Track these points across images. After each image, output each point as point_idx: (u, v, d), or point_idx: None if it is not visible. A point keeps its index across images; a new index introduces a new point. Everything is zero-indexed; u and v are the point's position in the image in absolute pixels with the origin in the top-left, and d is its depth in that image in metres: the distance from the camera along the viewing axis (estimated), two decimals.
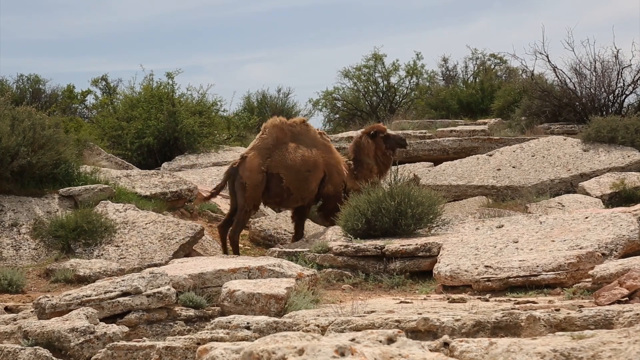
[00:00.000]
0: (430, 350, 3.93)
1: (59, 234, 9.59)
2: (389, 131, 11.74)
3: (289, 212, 11.71)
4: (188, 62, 55.25)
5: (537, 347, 3.81)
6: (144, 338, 6.00)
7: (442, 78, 29.10)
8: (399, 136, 11.77)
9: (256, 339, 4.23)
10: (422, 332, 5.08)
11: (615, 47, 18.02)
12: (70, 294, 6.41)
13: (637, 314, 4.87)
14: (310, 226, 11.18)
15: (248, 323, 5.66)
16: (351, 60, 55.45)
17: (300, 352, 3.31)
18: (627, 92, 17.97)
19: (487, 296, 6.93)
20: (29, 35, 54.16)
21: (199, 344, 5.19)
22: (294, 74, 54.42)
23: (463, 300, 6.70)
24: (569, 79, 18.17)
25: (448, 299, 6.92)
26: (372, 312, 5.90)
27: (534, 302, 6.26)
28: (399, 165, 11.98)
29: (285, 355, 3.30)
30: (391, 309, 6.07)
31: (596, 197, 12.37)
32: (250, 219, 10.94)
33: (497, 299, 6.77)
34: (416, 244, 8.54)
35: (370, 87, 29.20)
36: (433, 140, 16.49)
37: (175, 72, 18.18)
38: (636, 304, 5.40)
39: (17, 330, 6.12)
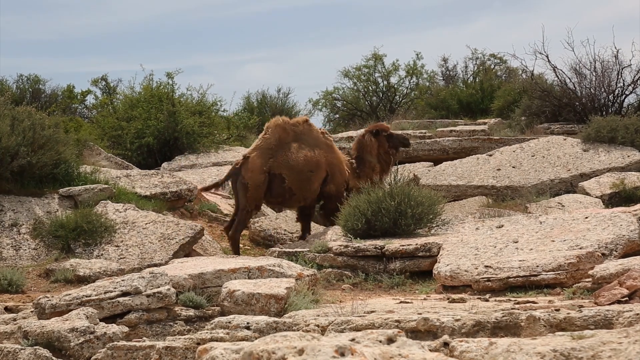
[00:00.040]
0: (430, 350, 3.93)
1: (58, 234, 9.59)
2: (392, 131, 11.75)
3: (289, 212, 11.71)
4: (188, 62, 55.28)
5: (537, 347, 3.81)
6: (144, 338, 6.00)
7: (442, 78, 29.10)
8: (402, 135, 11.77)
9: (256, 339, 4.23)
10: (422, 332, 5.08)
11: (615, 47, 18.04)
12: (70, 294, 6.41)
13: (637, 314, 4.87)
14: (310, 226, 11.18)
15: (248, 323, 5.66)
16: (351, 60, 55.47)
17: (300, 352, 3.31)
18: (627, 92, 17.98)
19: (487, 296, 6.93)
20: (29, 35, 54.18)
21: (198, 344, 5.19)
22: (294, 74, 54.45)
23: (463, 300, 6.70)
24: (569, 79, 18.19)
25: (448, 299, 6.92)
26: (372, 312, 5.90)
27: (534, 302, 6.26)
28: (399, 165, 11.98)
29: (285, 355, 3.30)
30: (391, 309, 6.07)
31: (596, 197, 12.37)
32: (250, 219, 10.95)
33: (497, 299, 6.77)
34: (416, 244, 8.54)
35: (370, 87, 29.21)
36: (433, 140, 16.49)
37: (175, 72, 18.21)
38: (636, 304, 5.40)
39: (17, 330, 6.12)
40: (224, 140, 17.99)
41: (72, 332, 5.78)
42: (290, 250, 9.17)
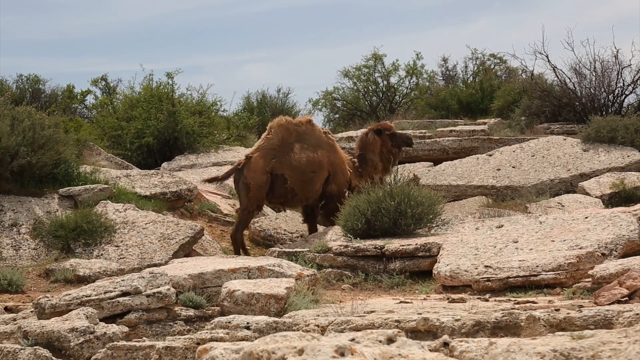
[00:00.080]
0: (430, 350, 3.93)
1: (58, 234, 9.59)
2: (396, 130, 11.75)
3: (289, 212, 11.72)
4: (188, 62, 55.29)
5: (537, 347, 3.81)
6: (144, 338, 6.00)
7: (442, 78, 29.12)
8: (406, 135, 11.76)
9: (256, 339, 4.23)
10: (422, 332, 5.07)
11: (615, 47, 18.04)
12: (70, 294, 6.41)
13: (637, 314, 4.87)
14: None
15: (248, 323, 5.66)
16: (351, 60, 55.48)
17: (300, 352, 3.31)
18: (626, 92, 17.98)
19: (487, 296, 6.93)
20: (29, 35, 54.19)
21: (198, 344, 5.19)
22: (294, 74, 54.46)
23: (463, 300, 6.70)
24: (569, 79, 18.18)
25: (448, 299, 6.91)
26: (372, 312, 5.89)
27: (533, 302, 6.26)
28: (399, 165, 11.98)
29: (285, 355, 3.30)
30: (391, 309, 6.07)
31: (596, 197, 12.37)
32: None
33: (497, 299, 6.77)
34: (416, 244, 8.54)
35: (370, 87, 29.21)
36: (433, 140, 16.49)
37: (175, 72, 18.21)
38: (636, 304, 5.39)
39: (16, 330, 6.12)
40: (224, 140, 18.00)
41: (72, 332, 5.78)
42: (290, 250, 9.17)
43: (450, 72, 28.81)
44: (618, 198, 12.35)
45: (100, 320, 6.14)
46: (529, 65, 31.88)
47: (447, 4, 59.50)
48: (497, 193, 13.36)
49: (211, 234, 10.97)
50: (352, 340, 3.63)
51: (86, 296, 6.34)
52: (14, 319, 6.53)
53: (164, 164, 15.99)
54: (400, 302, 6.81)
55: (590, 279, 6.68)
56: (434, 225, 9.42)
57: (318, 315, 5.78)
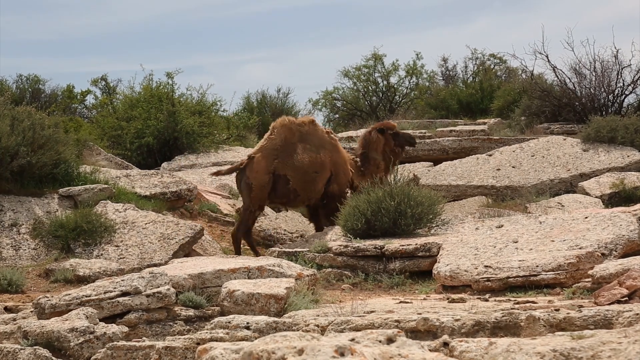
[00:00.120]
0: (430, 350, 3.93)
1: (58, 234, 9.59)
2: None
3: (289, 212, 11.73)
4: (188, 62, 55.29)
5: (536, 347, 3.81)
6: (144, 338, 6.00)
7: (441, 78, 29.12)
8: (409, 134, 11.76)
9: (256, 339, 4.23)
10: (422, 332, 5.07)
11: (615, 47, 18.04)
12: (70, 294, 6.41)
13: (637, 314, 4.87)
14: (310, 226, 11.19)
15: (248, 323, 5.66)
16: (351, 60, 55.47)
17: (300, 352, 3.31)
18: (626, 92, 17.98)
19: (487, 296, 6.93)
20: (29, 35, 54.19)
21: (198, 344, 5.19)
22: (294, 74, 54.47)
23: (463, 300, 6.70)
24: (569, 79, 18.18)
25: (448, 299, 6.91)
26: (372, 312, 5.89)
27: (533, 302, 6.26)
28: (399, 165, 11.98)
29: (285, 355, 3.30)
30: (391, 309, 6.07)
31: (596, 197, 12.37)
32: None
33: (497, 299, 6.77)
34: (416, 244, 8.54)
35: (370, 87, 29.21)
36: (433, 140, 16.49)
37: (175, 72, 18.23)
38: (636, 304, 5.39)
39: (16, 330, 6.12)
40: (224, 140, 18.00)
41: (72, 332, 5.78)
42: (290, 250, 9.17)
43: (450, 72, 28.83)
44: (618, 198, 12.35)
45: (100, 320, 6.14)
46: (529, 65, 31.93)
47: (447, 4, 59.53)
48: (497, 193, 13.36)
49: (211, 234, 10.97)
50: (352, 340, 3.63)
51: (86, 296, 6.34)
52: (14, 319, 6.53)
53: (164, 164, 15.99)
54: (400, 302, 6.81)
55: (590, 279, 6.68)
56: (433, 225, 9.42)
57: (318, 315, 5.78)
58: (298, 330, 5.19)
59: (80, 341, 5.74)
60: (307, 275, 7.43)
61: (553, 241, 7.93)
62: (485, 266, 7.41)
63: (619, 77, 17.85)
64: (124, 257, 9.34)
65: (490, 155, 14.60)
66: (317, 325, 5.39)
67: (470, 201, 13.06)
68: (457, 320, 5.08)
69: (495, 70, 28.16)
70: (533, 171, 13.72)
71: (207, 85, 28.95)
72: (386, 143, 11.13)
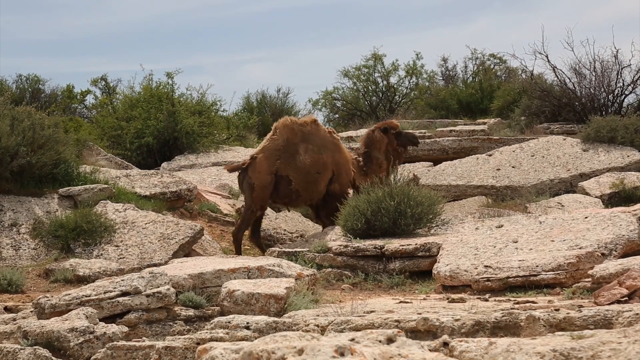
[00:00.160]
0: (429, 350, 3.93)
1: (58, 233, 9.59)
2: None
3: (289, 212, 11.72)
4: (188, 62, 55.30)
5: (536, 347, 3.81)
6: (144, 338, 6.00)
7: (441, 78, 29.13)
8: (412, 134, 11.72)
9: (256, 339, 4.22)
10: (422, 332, 5.07)
11: (615, 47, 18.05)
12: (69, 294, 6.41)
13: (637, 314, 4.87)
14: (310, 226, 11.19)
15: (247, 323, 5.66)
16: (351, 60, 55.45)
17: (300, 352, 3.31)
18: (626, 92, 17.99)
19: (487, 296, 6.93)
20: (29, 35, 54.19)
21: (198, 343, 5.19)
22: (294, 74, 54.47)
23: (462, 300, 6.70)
24: (569, 78, 18.19)
25: (447, 298, 6.91)
26: (372, 312, 5.89)
27: (533, 302, 6.26)
28: (399, 166, 11.97)
29: (285, 355, 3.30)
30: (391, 309, 6.07)
31: (596, 197, 12.37)
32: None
33: (497, 298, 6.77)
34: (416, 244, 8.54)
35: (369, 87, 29.21)
36: (433, 140, 16.49)
37: (175, 72, 18.23)
38: (636, 304, 5.39)
39: (16, 330, 6.12)
40: (224, 140, 18.00)
41: (72, 332, 5.78)
42: (290, 250, 9.16)
43: (450, 72, 28.83)
44: (618, 198, 12.36)
45: (100, 320, 6.14)
46: (528, 65, 31.92)
47: (447, 4, 59.54)
48: (496, 193, 13.36)
49: (211, 234, 10.97)
50: (352, 340, 3.63)
51: (86, 296, 6.34)
52: (14, 319, 6.53)
53: (164, 164, 15.99)
54: (400, 302, 6.81)
55: (590, 279, 6.67)
56: (433, 225, 9.42)
57: (318, 315, 5.78)
58: (298, 330, 5.19)
59: (80, 341, 5.74)
60: (307, 275, 7.43)
61: (553, 241, 7.93)
62: (485, 266, 7.41)
63: (619, 77, 17.86)
64: (124, 257, 9.34)
65: (490, 155, 14.60)
66: (317, 325, 5.39)
67: (470, 201, 13.07)
68: (457, 320, 5.08)
69: (495, 70, 28.16)
70: (533, 171, 13.72)
71: (207, 85, 28.99)
72: (389, 142, 11.12)
